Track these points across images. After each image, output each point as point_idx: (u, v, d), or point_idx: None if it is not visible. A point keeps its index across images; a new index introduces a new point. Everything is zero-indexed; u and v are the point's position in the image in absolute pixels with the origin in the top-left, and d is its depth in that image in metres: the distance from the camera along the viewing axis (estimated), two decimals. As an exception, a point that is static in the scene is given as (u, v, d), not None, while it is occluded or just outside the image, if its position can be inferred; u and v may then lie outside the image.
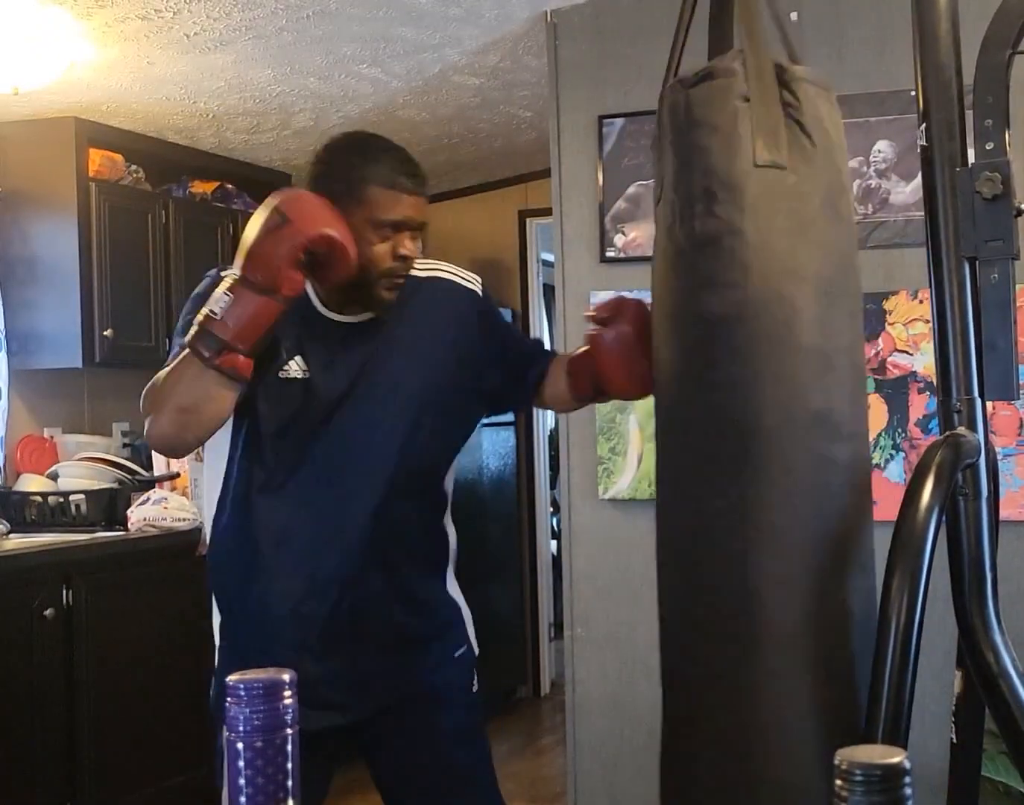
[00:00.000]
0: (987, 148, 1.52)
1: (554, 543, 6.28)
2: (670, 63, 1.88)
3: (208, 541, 2.16)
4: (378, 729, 2.22)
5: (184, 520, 4.28)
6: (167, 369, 1.94)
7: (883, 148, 3.47)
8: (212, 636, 2.19)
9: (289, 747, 0.96)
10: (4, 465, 4.44)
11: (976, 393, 1.61)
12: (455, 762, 2.28)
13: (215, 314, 1.84)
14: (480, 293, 2.30)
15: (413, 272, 2.12)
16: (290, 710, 0.96)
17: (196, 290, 2.14)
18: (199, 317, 1.87)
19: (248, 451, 2.06)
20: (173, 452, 2.07)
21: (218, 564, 2.14)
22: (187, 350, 1.87)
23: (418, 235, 2.07)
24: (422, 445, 2.11)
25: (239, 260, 1.86)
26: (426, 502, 2.19)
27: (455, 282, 2.26)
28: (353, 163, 2.04)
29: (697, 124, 1.72)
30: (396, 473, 2.07)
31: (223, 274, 1.98)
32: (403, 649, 2.19)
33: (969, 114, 1.58)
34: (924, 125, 1.59)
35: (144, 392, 1.97)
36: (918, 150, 1.62)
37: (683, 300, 1.69)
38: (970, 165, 1.56)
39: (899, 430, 3.44)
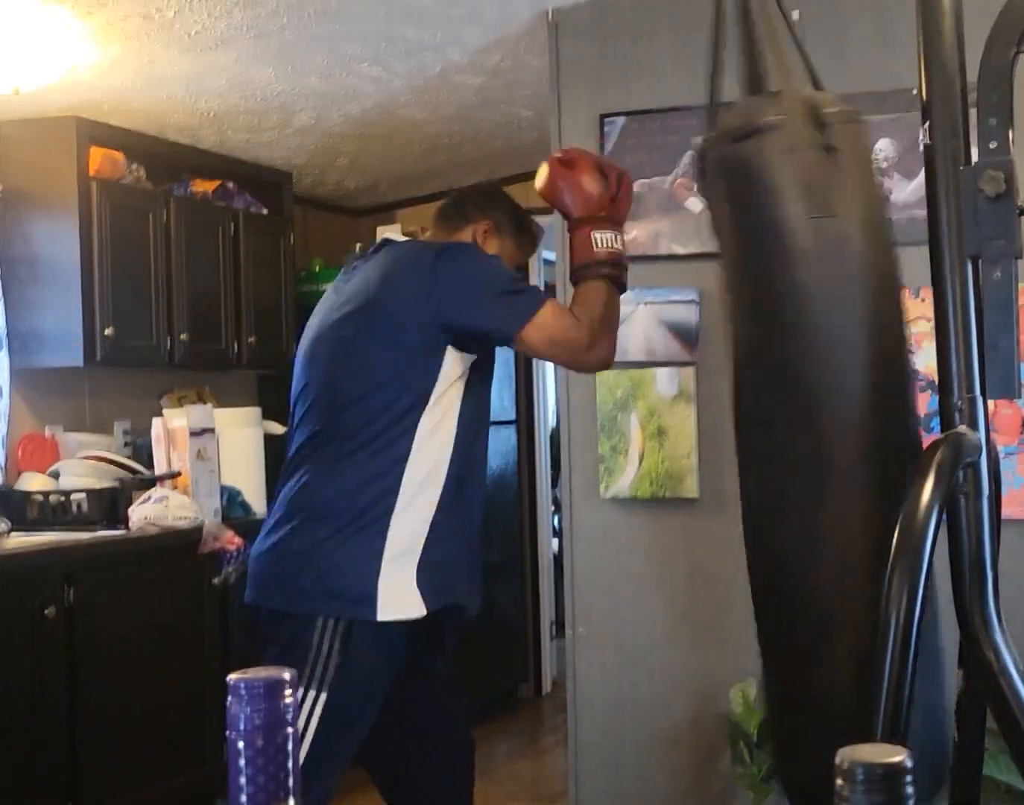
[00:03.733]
0: (991, 147, 1.52)
1: (555, 542, 6.28)
2: (711, 96, 1.90)
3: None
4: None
5: (185, 519, 4.28)
6: (588, 304, 2.41)
7: (885, 146, 3.47)
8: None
9: (290, 746, 0.96)
10: (5, 464, 4.44)
11: (977, 392, 1.61)
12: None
13: (620, 250, 2.46)
14: None
15: None
16: (291, 709, 0.96)
17: (482, 261, 2.54)
18: (608, 256, 2.43)
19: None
20: (607, 367, 2.56)
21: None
22: (602, 280, 2.42)
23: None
24: None
25: (604, 205, 2.46)
26: None
27: None
28: (528, 223, 2.89)
29: (751, 180, 1.77)
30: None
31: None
32: None
33: (973, 113, 1.58)
34: (927, 123, 1.59)
35: (587, 331, 2.39)
36: (920, 148, 1.62)
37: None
38: (973, 164, 1.56)
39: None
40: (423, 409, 2.39)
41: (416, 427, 2.39)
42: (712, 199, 1.87)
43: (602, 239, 2.42)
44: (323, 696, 2.31)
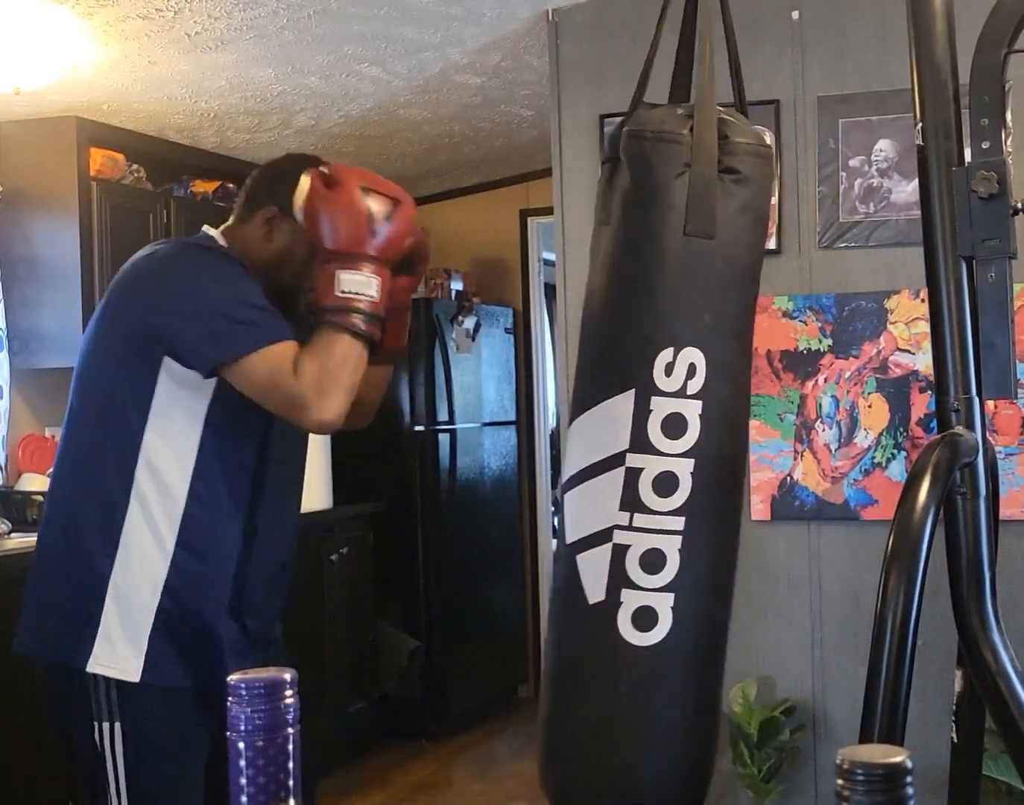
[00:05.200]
0: (983, 147, 1.52)
1: (555, 542, 6.27)
2: (640, 83, 2.02)
3: None
4: None
5: (186, 519, 4.28)
6: (318, 354, 2.01)
7: (884, 147, 3.47)
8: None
9: (290, 746, 0.96)
10: (5, 464, 4.44)
11: (974, 392, 1.62)
12: None
13: (373, 296, 2.01)
14: None
15: None
16: (291, 709, 0.96)
17: (216, 261, 2.14)
18: (352, 301, 2.00)
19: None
20: (336, 429, 2.13)
21: None
22: (340, 331, 2.00)
23: None
24: None
25: (363, 240, 2.01)
26: None
27: None
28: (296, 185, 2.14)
29: (636, 181, 1.85)
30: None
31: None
32: None
33: (966, 114, 1.59)
34: (920, 124, 1.60)
35: (305, 383, 2.00)
36: (917, 150, 1.62)
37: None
38: (966, 164, 1.56)
39: (900, 429, 3.44)
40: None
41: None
42: (604, 180, 1.94)
43: (348, 281, 1.99)
44: None
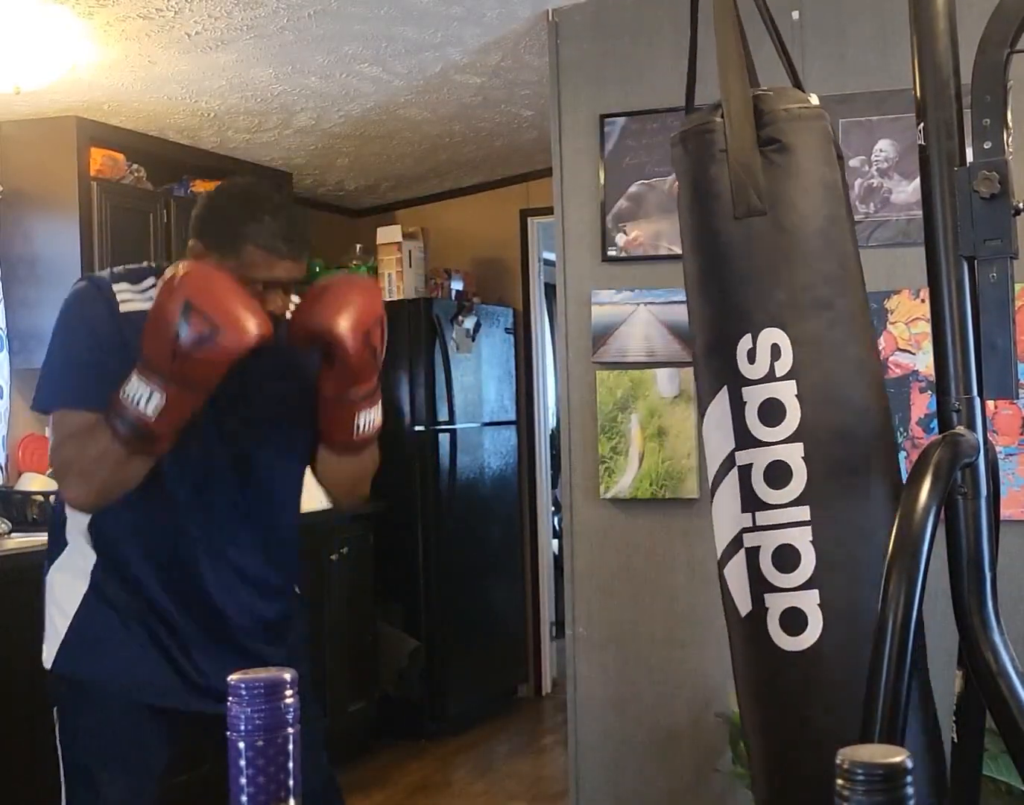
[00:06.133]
0: (985, 147, 1.52)
1: (555, 542, 6.28)
2: (688, 92, 1.98)
3: None
4: None
5: (186, 519, 4.28)
6: (82, 439, 2.02)
7: (885, 147, 3.47)
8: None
9: (290, 746, 0.96)
10: (6, 464, 4.44)
11: (975, 392, 1.61)
12: None
13: (147, 415, 1.94)
14: None
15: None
16: (291, 709, 0.96)
17: (82, 309, 2.14)
18: (124, 408, 1.95)
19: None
20: (87, 512, 2.16)
21: None
22: (110, 435, 1.98)
23: (291, 289, 2.13)
24: None
25: (162, 355, 1.92)
26: None
27: None
28: (236, 218, 2.05)
29: (684, 180, 1.86)
30: None
31: (120, 300, 2.11)
32: None
33: (967, 114, 1.58)
34: (922, 124, 1.59)
35: (60, 460, 2.07)
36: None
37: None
38: (968, 164, 1.56)
39: (901, 429, 3.44)
40: None
41: None
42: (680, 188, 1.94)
43: (135, 391, 1.95)
44: None
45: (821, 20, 3.53)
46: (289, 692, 0.96)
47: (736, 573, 1.78)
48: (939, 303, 1.60)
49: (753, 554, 1.75)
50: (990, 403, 1.66)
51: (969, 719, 1.81)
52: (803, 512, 1.72)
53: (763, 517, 1.74)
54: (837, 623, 1.72)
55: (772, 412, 1.74)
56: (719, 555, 1.84)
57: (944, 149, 1.56)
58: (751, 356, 1.75)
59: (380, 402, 2.18)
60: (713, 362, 1.82)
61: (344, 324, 2.02)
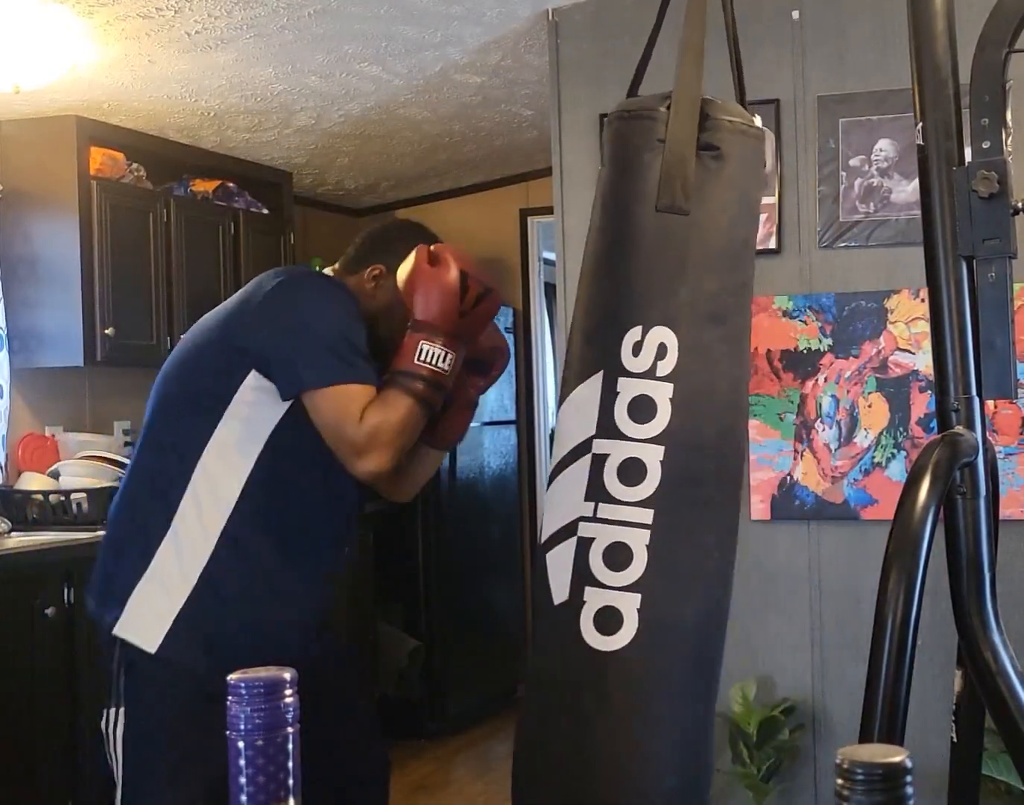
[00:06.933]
0: (984, 147, 1.52)
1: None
2: (634, 78, 1.97)
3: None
4: None
5: (185, 518, 4.28)
6: (385, 407, 2.15)
7: (884, 147, 3.47)
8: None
9: (290, 746, 0.96)
10: (5, 464, 4.44)
11: (974, 392, 1.62)
12: None
13: (444, 370, 2.19)
14: None
15: None
16: (291, 709, 0.96)
17: (343, 298, 2.28)
18: (425, 370, 2.17)
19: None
20: (379, 481, 2.28)
21: None
22: (409, 394, 2.16)
23: None
24: None
25: (450, 319, 2.19)
26: None
27: None
28: (411, 241, 2.31)
29: (613, 160, 1.84)
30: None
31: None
32: None
33: (966, 113, 1.58)
34: (920, 124, 1.60)
35: (366, 432, 2.14)
36: (917, 149, 1.62)
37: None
38: (967, 164, 1.56)
39: (901, 429, 3.44)
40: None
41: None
42: (603, 160, 1.92)
43: (429, 353, 2.17)
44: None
45: (821, 20, 3.53)
46: (289, 691, 0.96)
47: (561, 560, 1.75)
48: (938, 303, 1.60)
49: (585, 544, 1.72)
50: (989, 403, 1.66)
51: (969, 719, 1.81)
52: (646, 515, 1.69)
53: (606, 510, 1.71)
54: (650, 631, 1.70)
55: (643, 409, 1.71)
56: (545, 537, 1.80)
57: (943, 149, 1.56)
58: (636, 349, 1.72)
59: None
60: (595, 345, 1.78)
61: (504, 339, 2.47)
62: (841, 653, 3.45)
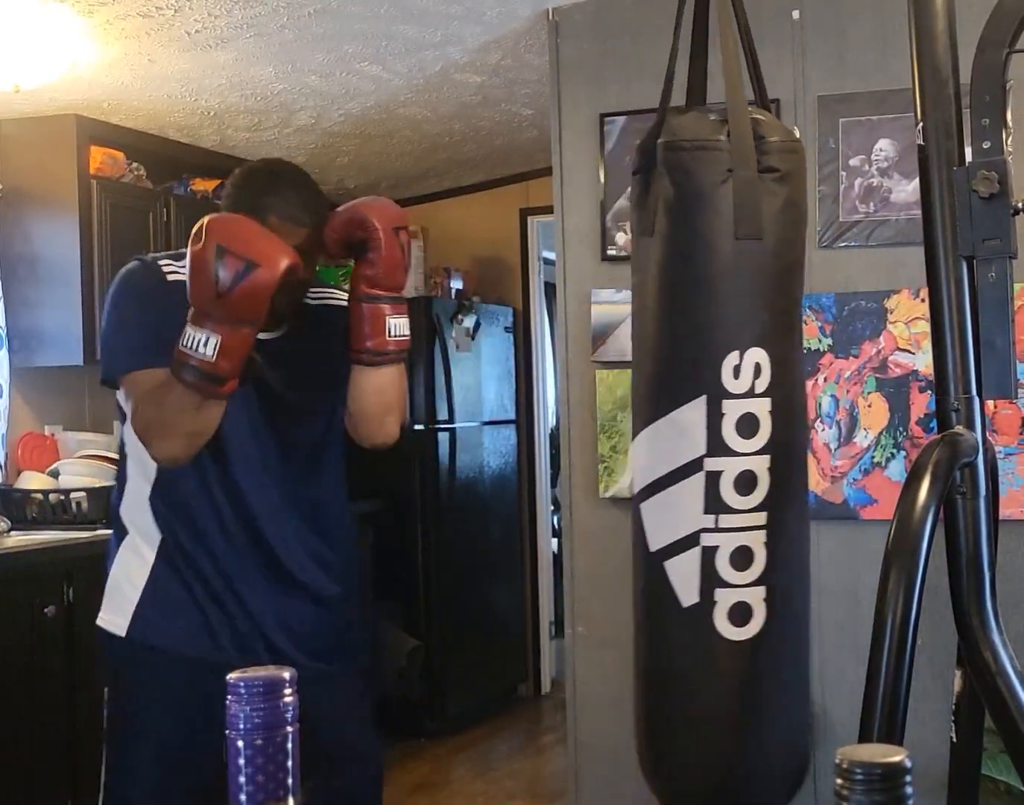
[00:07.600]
0: (984, 147, 1.52)
1: (555, 541, 6.28)
2: (665, 91, 2.06)
3: None
4: None
5: (185, 518, 4.28)
6: (156, 396, 2.10)
7: (885, 146, 3.47)
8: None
9: (289, 745, 0.96)
10: (5, 463, 4.44)
11: (974, 392, 1.62)
12: None
13: (208, 356, 1.99)
14: None
15: (305, 300, 2.34)
16: (290, 708, 0.96)
17: (132, 283, 2.27)
18: (186, 357, 2.01)
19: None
20: (179, 465, 2.22)
21: None
22: (180, 387, 2.04)
23: (314, 260, 2.25)
24: None
25: (207, 299, 1.99)
26: None
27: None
28: (259, 191, 2.20)
29: (690, 193, 1.92)
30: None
31: (166, 271, 2.25)
32: None
33: (966, 113, 1.58)
34: (921, 124, 1.60)
35: (142, 421, 2.14)
36: (917, 149, 1.62)
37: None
38: (967, 164, 1.56)
39: (900, 429, 3.44)
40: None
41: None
42: (640, 191, 2.01)
43: (191, 339, 2.01)
44: None
45: (821, 20, 3.53)
46: (288, 691, 0.96)
47: (684, 567, 1.90)
48: (938, 303, 1.60)
49: (710, 552, 1.89)
50: (989, 403, 1.66)
51: (968, 719, 1.81)
52: (761, 517, 1.88)
53: (726, 520, 1.88)
54: (777, 615, 1.89)
55: (748, 425, 1.88)
56: (658, 547, 1.94)
57: (943, 149, 1.56)
58: (736, 372, 1.87)
59: (408, 317, 2.24)
60: (692, 371, 1.92)
61: (376, 215, 2.14)
62: (841, 653, 3.45)
